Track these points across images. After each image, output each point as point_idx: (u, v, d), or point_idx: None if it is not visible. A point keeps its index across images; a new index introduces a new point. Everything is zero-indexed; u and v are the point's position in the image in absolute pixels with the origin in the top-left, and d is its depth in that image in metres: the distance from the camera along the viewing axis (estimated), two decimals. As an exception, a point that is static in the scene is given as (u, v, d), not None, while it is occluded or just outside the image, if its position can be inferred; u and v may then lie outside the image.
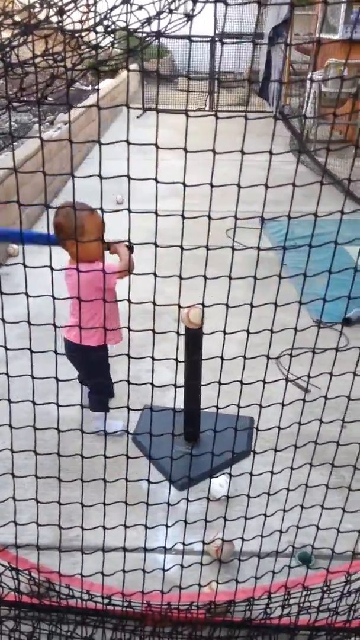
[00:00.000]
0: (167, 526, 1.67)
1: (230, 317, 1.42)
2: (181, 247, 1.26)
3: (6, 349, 1.42)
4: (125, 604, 1.80)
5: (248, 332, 1.40)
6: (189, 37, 1.12)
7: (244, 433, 2.78)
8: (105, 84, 10.37)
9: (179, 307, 1.43)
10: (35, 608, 1.89)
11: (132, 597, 1.77)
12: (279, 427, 1.58)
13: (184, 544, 1.73)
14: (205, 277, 1.30)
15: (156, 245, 1.26)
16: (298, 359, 1.63)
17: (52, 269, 1.32)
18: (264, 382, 1.48)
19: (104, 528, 1.61)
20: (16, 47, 0.97)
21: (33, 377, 1.43)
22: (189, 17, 1.02)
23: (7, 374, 1.44)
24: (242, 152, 1.19)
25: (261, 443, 1.81)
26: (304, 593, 1.79)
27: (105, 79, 10.40)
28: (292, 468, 1.62)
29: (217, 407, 1.50)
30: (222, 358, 1.44)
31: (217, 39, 10.63)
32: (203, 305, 1.42)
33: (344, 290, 1.41)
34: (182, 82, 13.53)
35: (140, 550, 1.73)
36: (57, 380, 1.42)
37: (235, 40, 11.28)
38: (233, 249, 1.31)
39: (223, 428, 1.57)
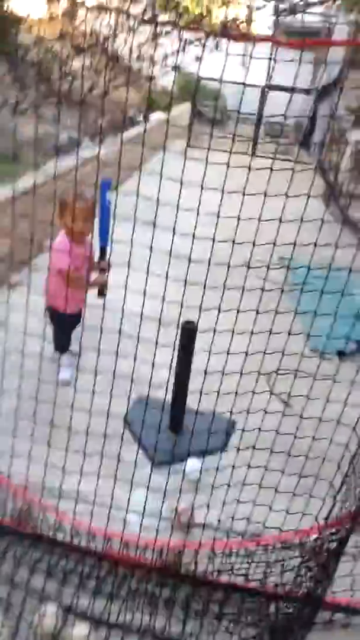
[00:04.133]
0: (132, 476, 2.00)
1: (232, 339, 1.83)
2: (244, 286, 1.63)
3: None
4: (89, 538, 2.11)
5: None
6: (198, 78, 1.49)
7: (223, 431, 3.05)
8: (156, 116, 10.97)
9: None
10: (11, 532, 2.20)
11: (95, 531, 2.08)
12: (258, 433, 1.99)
13: (146, 498, 2.05)
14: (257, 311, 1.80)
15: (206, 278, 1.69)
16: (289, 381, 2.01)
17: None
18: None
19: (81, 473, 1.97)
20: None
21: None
22: (199, 59, 1.40)
23: None
24: (287, 196, 1.56)
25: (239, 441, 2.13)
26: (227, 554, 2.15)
27: (157, 111, 10.99)
28: (236, 448, 1.95)
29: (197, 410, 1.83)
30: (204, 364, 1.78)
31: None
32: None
33: (346, 328, 1.80)
34: (231, 126, 14.13)
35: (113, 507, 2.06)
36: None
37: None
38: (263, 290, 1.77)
39: (206, 424, 1.93)
